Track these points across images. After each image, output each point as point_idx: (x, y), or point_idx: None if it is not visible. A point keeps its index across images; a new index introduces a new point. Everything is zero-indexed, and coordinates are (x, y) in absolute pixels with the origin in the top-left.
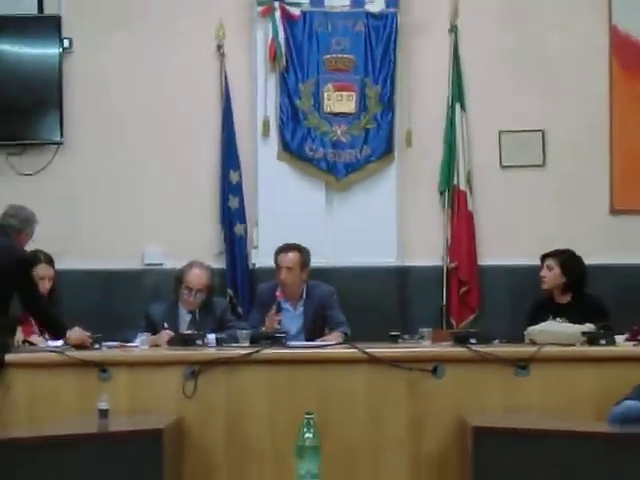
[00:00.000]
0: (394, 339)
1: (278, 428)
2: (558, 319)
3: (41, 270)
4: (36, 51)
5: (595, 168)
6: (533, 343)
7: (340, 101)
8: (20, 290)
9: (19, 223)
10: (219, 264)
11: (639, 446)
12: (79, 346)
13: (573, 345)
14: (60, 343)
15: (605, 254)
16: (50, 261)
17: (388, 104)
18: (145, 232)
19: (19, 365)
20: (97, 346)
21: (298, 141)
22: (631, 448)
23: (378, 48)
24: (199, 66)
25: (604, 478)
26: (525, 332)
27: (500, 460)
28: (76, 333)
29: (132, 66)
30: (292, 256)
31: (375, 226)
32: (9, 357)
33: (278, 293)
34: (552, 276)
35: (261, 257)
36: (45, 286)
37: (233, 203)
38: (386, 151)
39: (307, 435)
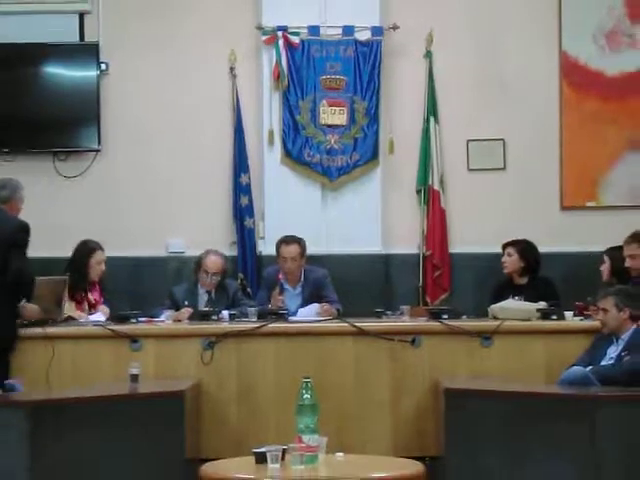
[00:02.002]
0: (378, 315)
1: (281, 390)
2: (517, 298)
3: (99, 255)
4: (78, 73)
5: (548, 171)
6: (495, 318)
7: (333, 115)
8: (10, 250)
9: (8, 193)
10: (232, 252)
11: (580, 404)
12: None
13: (529, 320)
14: (99, 318)
15: (556, 244)
16: (102, 248)
17: (374, 117)
18: (169, 225)
19: (65, 337)
20: (133, 320)
21: (298, 148)
22: (574, 405)
23: (365, 70)
24: (215, 85)
25: (552, 429)
26: (489, 309)
27: (467, 416)
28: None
29: (158, 85)
30: (293, 248)
31: (363, 220)
32: (57, 330)
33: (281, 276)
34: (512, 262)
35: (267, 246)
36: (102, 269)
37: (243, 201)
38: (372, 157)
39: (306, 396)
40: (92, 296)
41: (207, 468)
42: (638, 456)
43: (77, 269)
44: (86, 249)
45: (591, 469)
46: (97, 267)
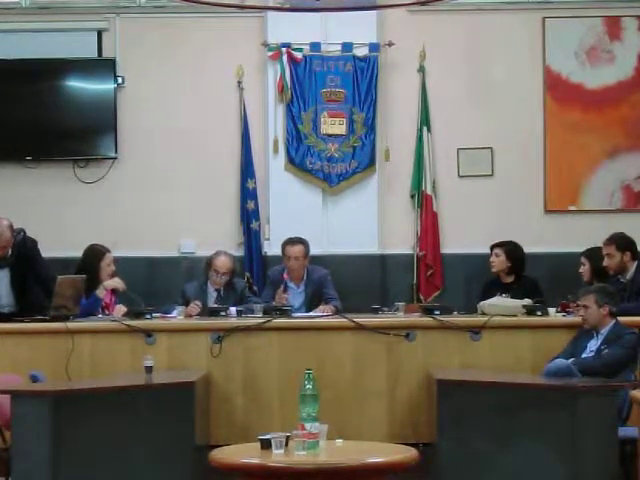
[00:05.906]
0: (375, 311)
1: (285, 381)
2: (504, 295)
3: (108, 258)
4: (96, 87)
5: (532, 177)
6: (484, 314)
7: (333, 125)
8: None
9: None
10: (239, 252)
11: (562, 393)
12: None
13: (515, 315)
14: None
15: (540, 245)
16: (109, 250)
17: (371, 127)
18: (181, 228)
19: (84, 331)
20: (148, 316)
21: (300, 156)
22: (556, 395)
23: (363, 84)
24: (223, 98)
25: (536, 417)
26: (478, 305)
27: (458, 405)
28: None
29: (171, 98)
30: (298, 248)
31: (361, 222)
32: (77, 325)
33: (285, 275)
34: (499, 262)
35: (272, 247)
36: (113, 269)
37: (250, 205)
38: (369, 164)
39: (307, 386)
40: (105, 299)
41: (216, 454)
42: (614, 441)
43: (89, 272)
44: (96, 254)
45: (571, 454)
46: (107, 268)
